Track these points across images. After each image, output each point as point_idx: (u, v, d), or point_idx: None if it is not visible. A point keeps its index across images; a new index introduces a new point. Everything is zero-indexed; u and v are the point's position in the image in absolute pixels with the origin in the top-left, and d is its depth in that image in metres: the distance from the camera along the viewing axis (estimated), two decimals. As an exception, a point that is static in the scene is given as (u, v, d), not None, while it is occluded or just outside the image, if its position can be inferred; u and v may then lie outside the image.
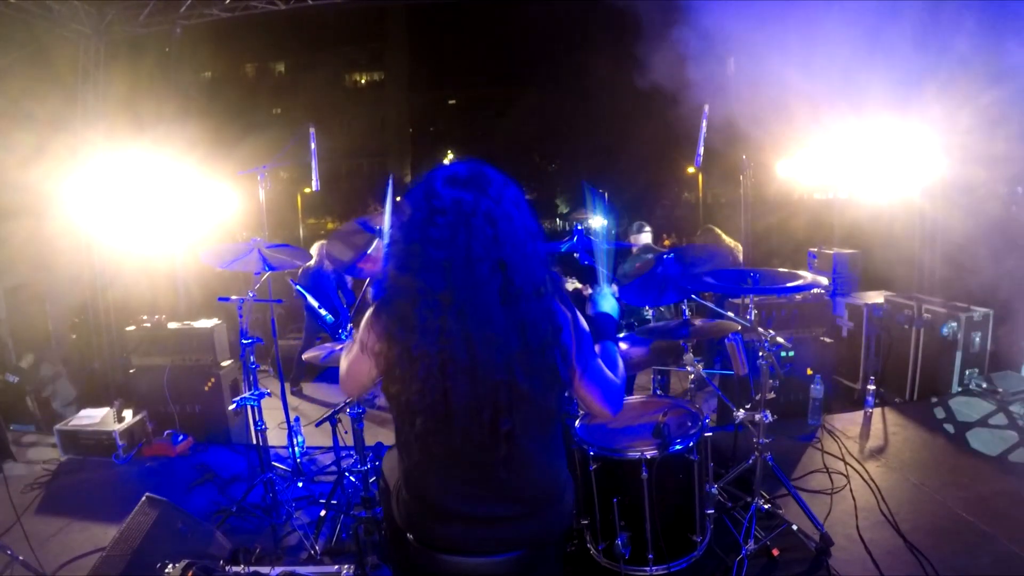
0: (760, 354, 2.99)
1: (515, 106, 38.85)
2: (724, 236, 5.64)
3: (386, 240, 1.49)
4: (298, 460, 4.08)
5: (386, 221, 1.76)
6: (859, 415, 4.48)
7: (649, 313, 4.07)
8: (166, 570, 2.28)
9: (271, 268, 3.37)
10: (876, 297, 5.33)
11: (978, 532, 3.00)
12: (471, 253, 1.36)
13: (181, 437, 4.39)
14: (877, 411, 4.48)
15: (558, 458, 1.62)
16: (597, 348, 1.68)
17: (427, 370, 1.39)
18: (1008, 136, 4.43)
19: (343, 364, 1.59)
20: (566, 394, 1.53)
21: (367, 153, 35.39)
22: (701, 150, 3.70)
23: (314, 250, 6.03)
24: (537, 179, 35.72)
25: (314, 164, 4.46)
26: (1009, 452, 3.78)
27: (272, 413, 3.98)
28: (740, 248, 5.38)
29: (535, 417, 1.48)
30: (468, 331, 1.37)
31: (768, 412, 2.96)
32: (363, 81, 37.53)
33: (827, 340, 4.83)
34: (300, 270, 5.88)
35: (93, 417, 4.41)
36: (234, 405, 3.56)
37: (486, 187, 1.41)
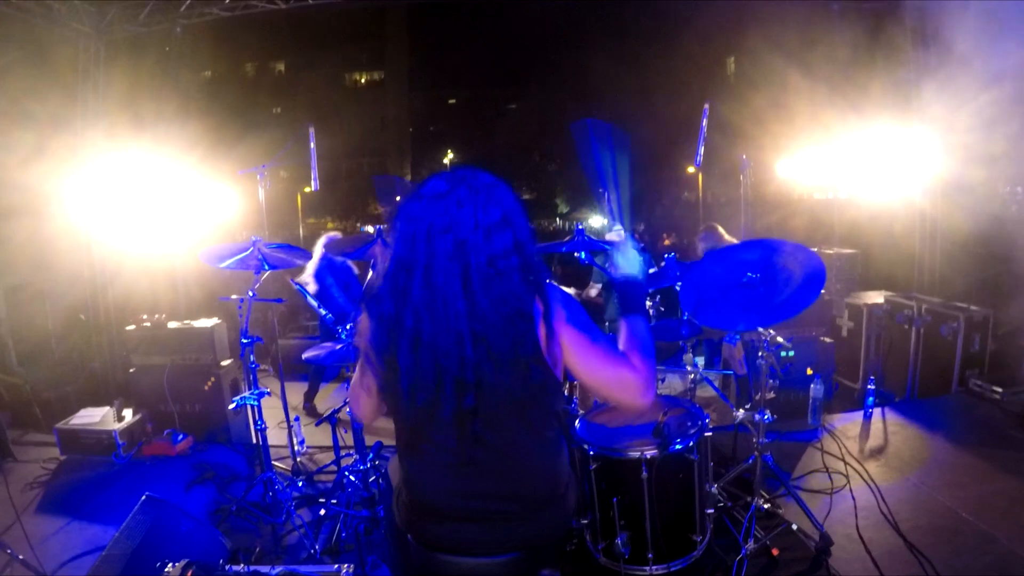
0: (760, 354, 2.99)
1: (515, 106, 38.86)
2: (725, 235, 5.64)
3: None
4: (298, 459, 4.08)
5: None
6: (859, 415, 4.47)
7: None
8: (166, 569, 2.28)
9: (271, 267, 3.37)
10: (876, 297, 5.33)
11: (978, 532, 3.00)
12: (432, 228, 1.41)
13: (181, 436, 4.39)
14: (877, 411, 4.47)
15: (553, 455, 1.59)
16: (623, 326, 1.56)
17: (391, 339, 1.45)
18: (1008, 136, 4.43)
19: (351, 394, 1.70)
20: (540, 381, 1.45)
21: (367, 153, 35.37)
22: (701, 149, 3.70)
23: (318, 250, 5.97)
24: (537, 179, 35.70)
25: (314, 164, 4.46)
26: (1009, 452, 3.78)
27: (272, 412, 3.98)
28: None
29: (507, 400, 1.44)
30: (432, 302, 1.41)
31: (768, 412, 2.95)
32: (363, 80, 37.53)
33: (827, 340, 4.83)
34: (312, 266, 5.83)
35: (93, 416, 4.41)
36: (234, 404, 3.56)
37: (469, 179, 1.47)
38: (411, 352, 1.43)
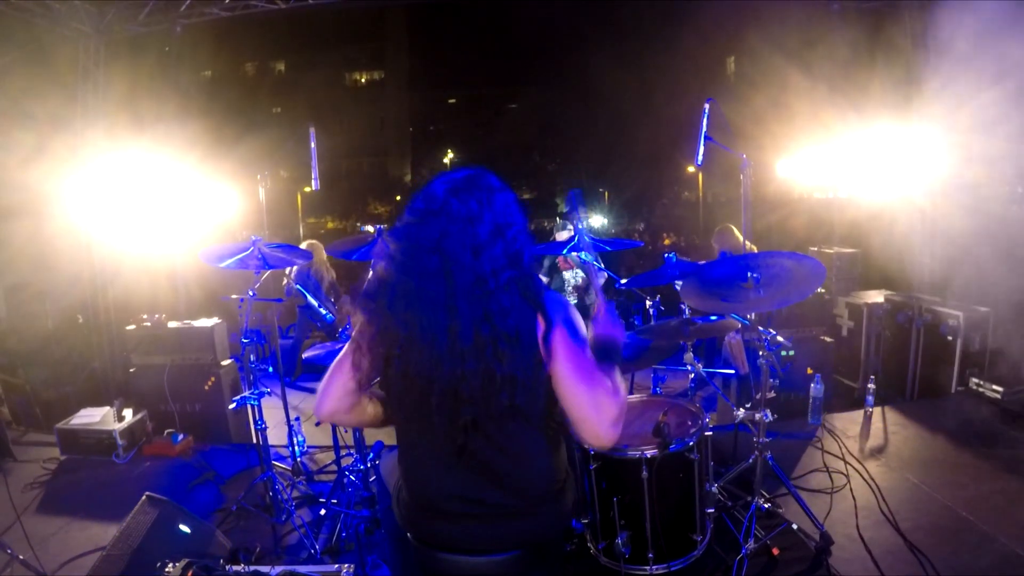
0: (760, 354, 2.99)
1: (515, 105, 38.90)
2: (739, 234, 5.62)
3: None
4: (298, 459, 4.08)
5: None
6: (859, 414, 4.47)
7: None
8: (166, 569, 2.28)
9: (271, 267, 3.37)
10: (876, 296, 5.33)
11: (978, 532, 3.00)
12: (421, 243, 1.42)
13: (181, 436, 4.38)
14: (877, 410, 4.47)
15: (550, 451, 1.59)
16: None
17: (387, 343, 1.46)
18: (1008, 135, 4.43)
19: (325, 377, 1.58)
20: (541, 392, 1.47)
21: (367, 152, 35.40)
22: (702, 149, 3.69)
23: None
24: (537, 178, 35.72)
25: (314, 163, 4.46)
26: (1009, 452, 3.78)
27: (272, 412, 3.97)
28: (756, 249, 5.35)
29: (507, 411, 1.45)
30: (421, 316, 1.41)
31: (768, 411, 2.95)
32: (363, 80, 37.53)
33: (827, 340, 4.83)
34: (294, 270, 5.88)
35: (93, 416, 4.41)
36: (234, 404, 3.56)
37: (471, 187, 1.45)
38: (403, 361, 1.44)
